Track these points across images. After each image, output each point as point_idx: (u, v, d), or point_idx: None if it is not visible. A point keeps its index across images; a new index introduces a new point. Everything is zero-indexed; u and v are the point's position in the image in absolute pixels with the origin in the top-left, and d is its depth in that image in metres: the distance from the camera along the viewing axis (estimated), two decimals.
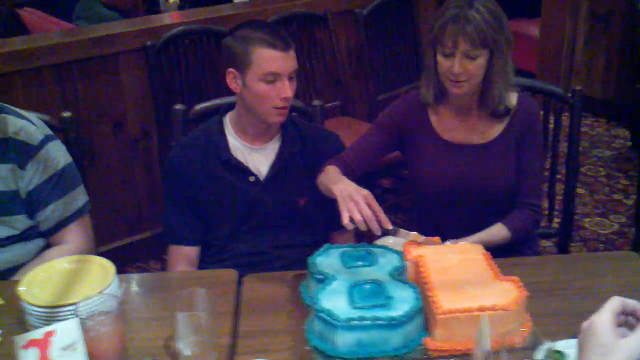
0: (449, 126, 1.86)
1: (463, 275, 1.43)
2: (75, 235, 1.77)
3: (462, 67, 1.70)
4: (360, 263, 1.49)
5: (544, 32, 4.54)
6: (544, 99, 2.10)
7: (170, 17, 3.16)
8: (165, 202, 1.89)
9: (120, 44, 2.79)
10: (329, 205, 1.79)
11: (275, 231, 1.86)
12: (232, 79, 1.76)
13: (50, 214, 1.74)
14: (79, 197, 1.80)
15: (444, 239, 1.64)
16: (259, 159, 1.84)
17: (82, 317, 1.21)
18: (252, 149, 1.84)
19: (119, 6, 3.41)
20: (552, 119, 2.11)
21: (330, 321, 1.30)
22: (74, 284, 1.37)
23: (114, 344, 1.25)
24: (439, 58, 1.74)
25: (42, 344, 1.17)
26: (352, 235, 1.89)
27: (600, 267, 1.63)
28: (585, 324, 0.90)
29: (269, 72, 1.71)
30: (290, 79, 1.75)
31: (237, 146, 1.84)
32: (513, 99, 1.83)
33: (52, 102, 2.67)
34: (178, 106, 2.03)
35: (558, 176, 2.22)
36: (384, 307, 1.32)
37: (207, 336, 1.26)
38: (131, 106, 2.88)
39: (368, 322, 1.29)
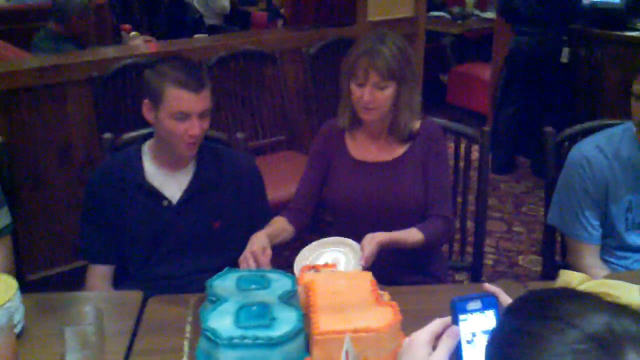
0: (362, 148, 2.05)
1: (346, 300, 1.52)
2: None
3: (371, 96, 1.89)
4: (253, 286, 1.58)
5: (493, 75, 4.73)
6: (455, 138, 2.23)
7: (118, 50, 3.28)
8: (81, 222, 1.97)
9: (68, 74, 2.89)
10: (244, 229, 1.92)
11: (189, 255, 1.95)
12: (147, 110, 1.86)
13: None
14: (3, 217, 1.86)
15: None
16: (173, 184, 1.94)
17: None
18: (167, 175, 1.94)
19: (72, 37, 3.51)
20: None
21: (214, 339, 1.37)
22: None
23: (6, 355, 1.32)
24: (352, 87, 1.92)
25: None
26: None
27: None
28: (406, 340, 1.00)
29: (178, 111, 1.80)
30: (201, 117, 1.84)
31: (153, 172, 1.93)
32: (417, 124, 2.02)
33: None
34: (107, 135, 2.13)
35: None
36: (267, 327, 1.41)
37: (95, 352, 1.34)
38: (77, 134, 2.97)
39: (249, 340, 1.37)
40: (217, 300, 1.52)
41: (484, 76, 5.28)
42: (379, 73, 1.86)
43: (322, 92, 3.50)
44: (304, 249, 1.86)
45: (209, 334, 1.39)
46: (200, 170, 1.96)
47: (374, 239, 1.81)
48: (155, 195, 1.92)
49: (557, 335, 0.63)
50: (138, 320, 1.59)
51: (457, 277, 2.63)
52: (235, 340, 1.37)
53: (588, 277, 1.56)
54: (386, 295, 1.66)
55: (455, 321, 0.97)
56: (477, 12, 6.09)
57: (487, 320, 0.97)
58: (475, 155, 2.24)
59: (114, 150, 2.11)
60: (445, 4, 6.27)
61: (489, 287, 1.06)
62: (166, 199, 1.92)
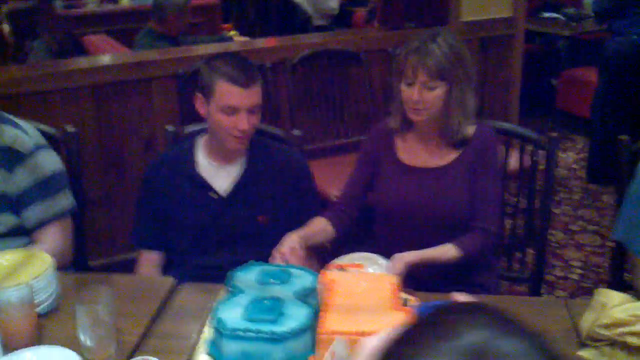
0: (411, 151, 1.98)
1: (363, 302, 1.48)
2: (52, 235, 1.93)
3: (420, 96, 1.82)
4: (272, 281, 1.58)
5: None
6: (520, 144, 2.12)
7: (205, 48, 3.39)
8: (136, 209, 2.06)
9: (154, 70, 3.03)
10: (291, 226, 1.92)
11: (234, 247, 1.98)
12: (199, 104, 1.91)
13: (32, 213, 1.91)
14: (62, 201, 1.96)
15: None
16: (223, 177, 1.97)
17: None
18: (218, 168, 1.98)
19: (169, 35, 3.68)
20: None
21: (219, 329, 1.39)
22: (11, 273, 1.54)
23: (24, 328, 1.40)
24: (402, 86, 1.86)
25: None
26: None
27: (527, 310, 1.63)
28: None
29: (227, 105, 1.84)
30: (250, 112, 1.87)
31: (204, 164, 1.98)
32: (471, 130, 1.92)
33: (88, 118, 2.94)
34: (169, 127, 2.21)
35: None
36: (273, 322, 1.40)
37: (106, 330, 1.39)
38: (161, 127, 3.10)
39: (252, 334, 1.37)
40: (234, 292, 1.53)
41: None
42: (428, 72, 1.80)
43: None
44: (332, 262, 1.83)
45: (215, 323, 1.41)
46: (250, 164, 1.98)
47: (402, 259, 1.77)
48: (204, 187, 1.96)
49: (436, 341, 0.60)
50: (163, 305, 1.64)
51: (518, 289, 2.49)
52: (239, 332, 1.38)
53: (629, 299, 1.43)
54: (411, 300, 1.61)
55: None
56: (593, 13, 5.72)
57: None
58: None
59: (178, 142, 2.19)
60: (560, 5, 5.96)
61: (457, 297, 0.99)
62: (214, 190, 1.96)
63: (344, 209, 2.03)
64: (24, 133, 1.95)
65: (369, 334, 1.33)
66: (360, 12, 5.52)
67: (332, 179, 2.96)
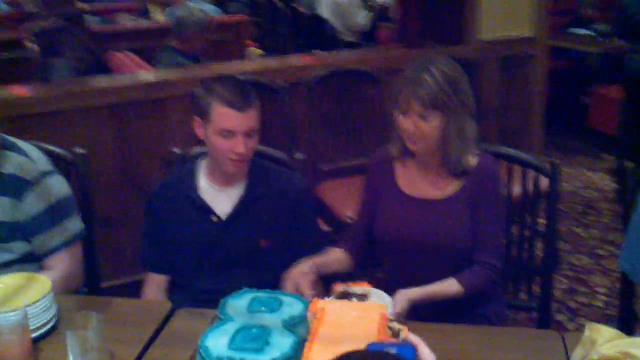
0: (411, 180, 1.95)
1: (350, 332, 1.47)
2: (61, 262, 1.96)
3: (415, 126, 1.80)
4: (263, 309, 1.59)
5: None
6: (522, 170, 2.09)
7: (222, 67, 3.44)
8: (142, 232, 2.09)
9: (170, 90, 3.08)
10: (291, 250, 1.94)
11: (235, 271, 1.99)
12: (197, 127, 1.94)
13: (41, 241, 1.94)
14: (70, 227, 1.99)
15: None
16: (224, 200, 1.99)
17: None
18: (219, 191, 2.00)
19: (189, 53, 3.74)
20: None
21: (204, 357, 1.41)
22: (9, 297, 1.58)
23: (18, 352, 1.44)
24: (398, 116, 1.84)
25: None
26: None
27: (521, 344, 1.61)
28: None
29: (224, 129, 1.86)
30: (247, 135, 1.88)
31: (206, 187, 2.00)
32: (473, 160, 1.89)
33: (105, 137, 3.01)
34: (176, 149, 2.25)
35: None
36: (257, 351, 1.41)
37: (96, 356, 1.42)
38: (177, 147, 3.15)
39: None
40: (224, 319, 1.55)
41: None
42: (421, 103, 1.77)
43: None
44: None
45: (201, 351, 1.42)
46: (250, 188, 2.00)
47: (406, 296, 1.75)
48: (206, 210, 1.99)
49: None
50: (159, 330, 1.66)
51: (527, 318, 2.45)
52: None
53: (619, 335, 1.40)
54: (404, 332, 1.60)
55: None
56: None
57: None
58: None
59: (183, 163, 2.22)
60: (590, 21, 5.88)
61: (411, 337, 0.99)
62: (215, 214, 1.98)
63: (354, 239, 2.02)
64: (29, 159, 1.96)
65: None
66: (385, 29, 5.52)
67: (347, 199, 2.97)
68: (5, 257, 1.93)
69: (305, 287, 1.75)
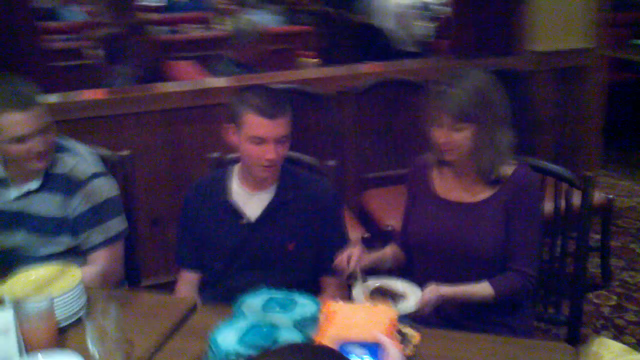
0: (447, 185, 2.00)
1: (356, 333, 1.50)
2: (103, 258, 2.09)
3: (448, 137, 1.84)
4: (277, 308, 1.64)
5: None
6: (556, 181, 2.07)
7: (271, 76, 3.52)
8: (178, 231, 2.18)
9: (219, 96, 3.19)
10: (318, 252, 1.99)
11: (262, 272, 2.05)
12: (229, 133, 2.01)
13: (86, 237, 2.08)
14: (114, 226, 2.12)
15: None
16: (254, 204, 2.06)
17: (17, 309, 1.52)
18: (249, 195, 2.07)
19: (244, 63, 3.85)
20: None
21: (214, 351, 1.47)
22: (42, 286, 1.69)
23: (44, 337, 1.54)
24: (433, 129, 1.88)
25: None
26: (339, 279, 2.01)
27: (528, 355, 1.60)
28: None
29: (255, 136, 1.93)
30: (278, 142, 1.94)
31: (237, 191, 2.08)
32: (509, 170, 1.91)
33: (159, 141, 3.15)
34: (213, 154, 2.33)
35: None
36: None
37: (113, 344, 1.50)
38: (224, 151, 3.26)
39: (242, 359, 1.44)
40: (237, 316, 1.61)
41: None
42: (451, 115, 1.81)
43: None
44: (371, 278, 1.89)
45: (211, 345, 1.49)
46: (279, 192, 2.06)
47: (438, 290, 1.81)
48: (236, 213, 2.06)
49: None
50: (180, 324, 1.73)
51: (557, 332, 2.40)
52: (231, 357, 1.44)
53: (627, 349, 1.38)
54: (415, 337, 1.62)
55: None
56: None
57: None
58: None
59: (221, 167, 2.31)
60: None
61: (379, 337, 1.02)
62: (245, 217, 2.05)
63: (402, 239, 2.10)
64: (83, 161, 2.11)
65: None
66: (443, 40, 5.51)
67: (389, 208, 3.00)
68: (53, 249, 2.08)
69: (354, 262, 1.83)
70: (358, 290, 1.84)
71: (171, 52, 4.89)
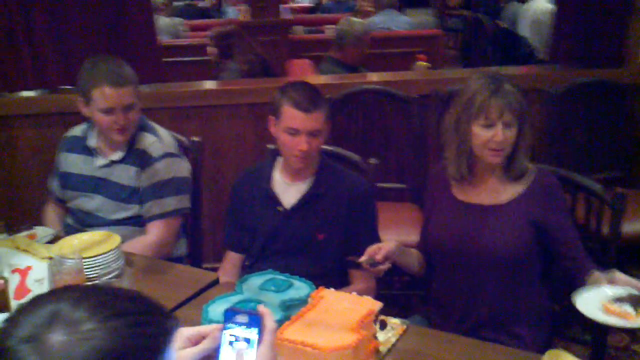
0: (467, 189, 2.01)
1: (332, 319, 1.60)
2: (156, 229, 2.34)
3: (504, 135, 1.85)
4: (272, 288, 1.77)
5: None
6: (586, 196, 2.01)
7: (356, 77, 3.63)
8: (226, 214, 2.37)
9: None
10: (345, 247, 2.10)
11: (293, 258, 2.18)
12: (272, 125, 2.17)
13: (147, 208, 2.36)
14: (172, 203, 2.37)
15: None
16: (291, 193, 2.20)
17: (52, 264, 1.78)
18: (288, 184, 2.21)
19: (347, 63, 4.00)
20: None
21: (203, 319, 1.63)
22: (84, 248, 1.95)
23: None
24: (477, 130, 1.87)
25: (23, 273, 1.78)
26: (366, 272, 2.06)
27: None
28: None
29: (290, 127, 2.07)
30: (311, 135, 2.07)
31: (278, 180, 2.23)
32: (529, 165, 1.95)
33: (246, 132, 3.38)
34: (270, 145, 2.50)
35: None
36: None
37: None
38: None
39: None
40: (235, 291, 1.76)
41: None
42: (512, 111, 1.84)
43: (566, 134, 3.32)
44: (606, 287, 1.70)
45: (202, 313, 1.65)
46: (316, 184, 2.18)
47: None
48: (275, 200, 2.21)
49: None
50: (196, 295, 1.92)
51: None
52: None
53: None
54: (398, 331, 1.68)
55: (223, 327, 1.09)
56: None
57: (249, 334, 1.07)
58: None
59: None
60: None
61: (261, 308, 1.12)
62: (282, 205, 2.20)
63: (423, 248, 2.13)
64: (160, 141, 2.40)
65: (311, 346, 1.48)
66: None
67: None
68: (123, 214, 2.39)
69: (381, 255, 1.87)
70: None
71: (305, 51, 5.17)
